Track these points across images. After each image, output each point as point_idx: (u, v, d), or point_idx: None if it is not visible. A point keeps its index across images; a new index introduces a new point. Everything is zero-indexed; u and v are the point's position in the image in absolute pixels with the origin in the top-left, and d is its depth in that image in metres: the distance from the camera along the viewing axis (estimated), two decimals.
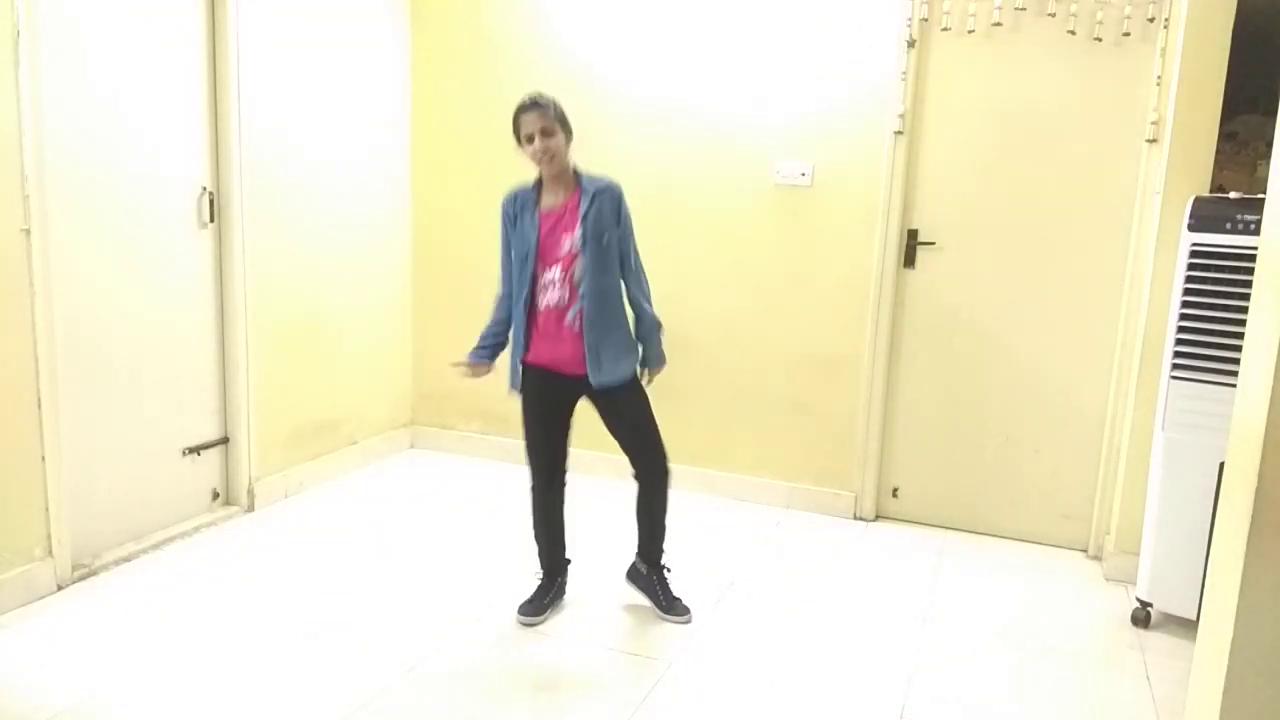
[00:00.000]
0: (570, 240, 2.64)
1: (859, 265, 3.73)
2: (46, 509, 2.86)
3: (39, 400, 2.81)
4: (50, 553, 2.88)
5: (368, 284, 4.19)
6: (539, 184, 2.73)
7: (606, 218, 2.66)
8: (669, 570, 2.95)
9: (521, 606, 2.87)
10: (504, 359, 2.83)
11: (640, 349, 2.80)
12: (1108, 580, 3.37)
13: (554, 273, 2.66)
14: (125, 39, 3.05)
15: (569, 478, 2.90)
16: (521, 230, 2.70)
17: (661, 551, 2.93)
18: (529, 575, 3.09)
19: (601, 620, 2.90)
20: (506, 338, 2.82)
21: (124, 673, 2.48)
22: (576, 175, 2.71)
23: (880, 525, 3.84)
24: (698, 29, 3.83)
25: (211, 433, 3.55)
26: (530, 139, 2.63)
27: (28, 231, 2.73)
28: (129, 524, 3.23)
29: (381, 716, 2.34)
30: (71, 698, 2.35)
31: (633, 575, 2.98)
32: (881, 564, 3.45)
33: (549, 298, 2.68)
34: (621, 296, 2.75)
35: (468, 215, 4.33)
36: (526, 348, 2.74)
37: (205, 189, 3.39)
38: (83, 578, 2.99)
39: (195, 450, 3.48)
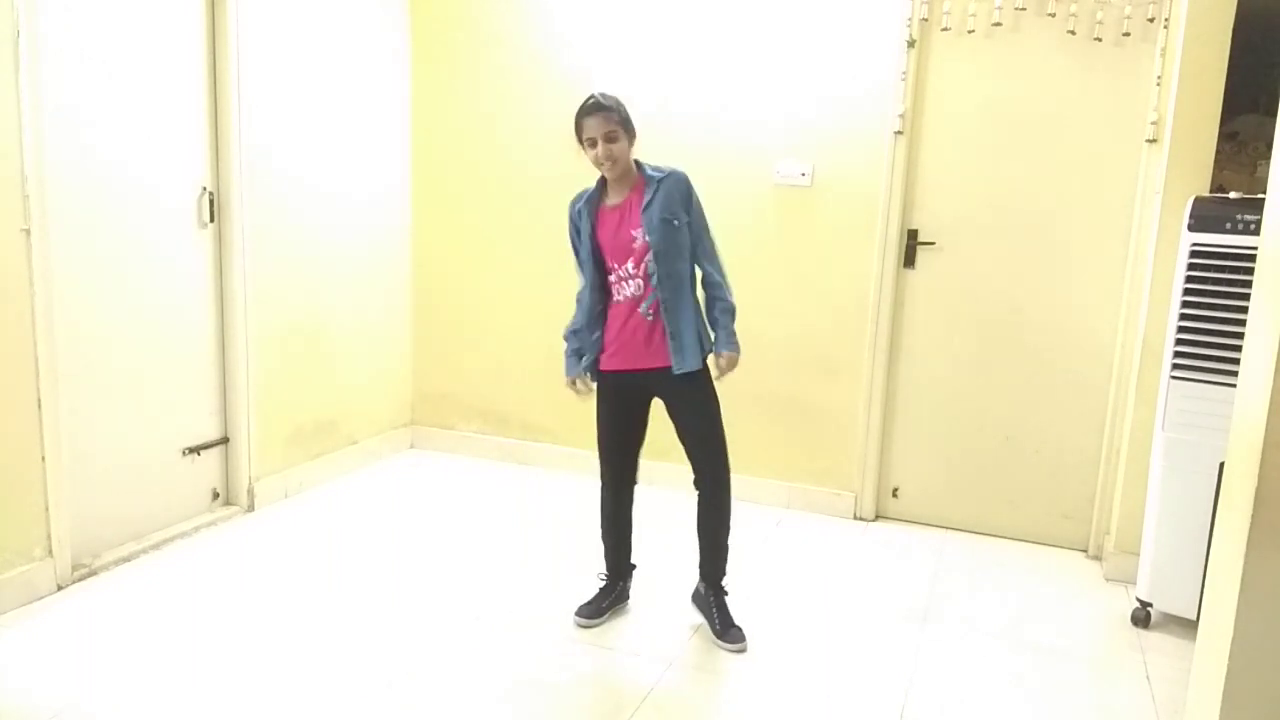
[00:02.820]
0: (638, 233, 2.62)
1: (859, 265, 3.73)
2: (46, 509, 2.86)
3: (39, 400, 2.81)
4: (50, 553, 2.88)
5: (368, 283, 4.19)
6: (602, 184, 2.71)
7: (675, 203, 2.62)
8: (728, 593, 2.85)
9: (580, 608, 2.86)
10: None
11: (711, 336, 2.74)
12: (1108, 580, 3.37)
13: (627, 268, 2.64)
14: (125, 39, 3.05)
15: (637, 482, 2.88)
16: (586, 232, 2.68)
17: (722, 572, 2.84)
18: (528, 574, 3.09)
19: (603, 621, 2.90)
20: (596, 335, 2.76)
21: (124, 673, 2.48)
22: (640, 168, 2.68)
23: (880, 525, 3.84)
24: (698, 30, 3.83)
25: (211, 433, 3.55)
26: (592, 143, 2.59)
27: (28, 231, 2.73)
28: (129, 524, 3.23)
29: (381, 716, 2.34)
30: (71, 697, 2.35)
31: (695, 597, 2.91)
32: (881, 564, 3.45)
33: (624, 291, 2.66)
34: (695, 284, 2.70)
35: (468, 214, 4.33)
36: (601, 348, 2.71)
37: (205, 189, 3.39)
38: (83, 578, 2.99)
39: (195, 450, 3.48)
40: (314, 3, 3.72)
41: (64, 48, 2.85)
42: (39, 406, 2.81)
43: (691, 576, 3.14)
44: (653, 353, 2.67)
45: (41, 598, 2.85)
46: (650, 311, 2.65)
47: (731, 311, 2.74)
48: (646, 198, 2.62)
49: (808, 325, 3.84)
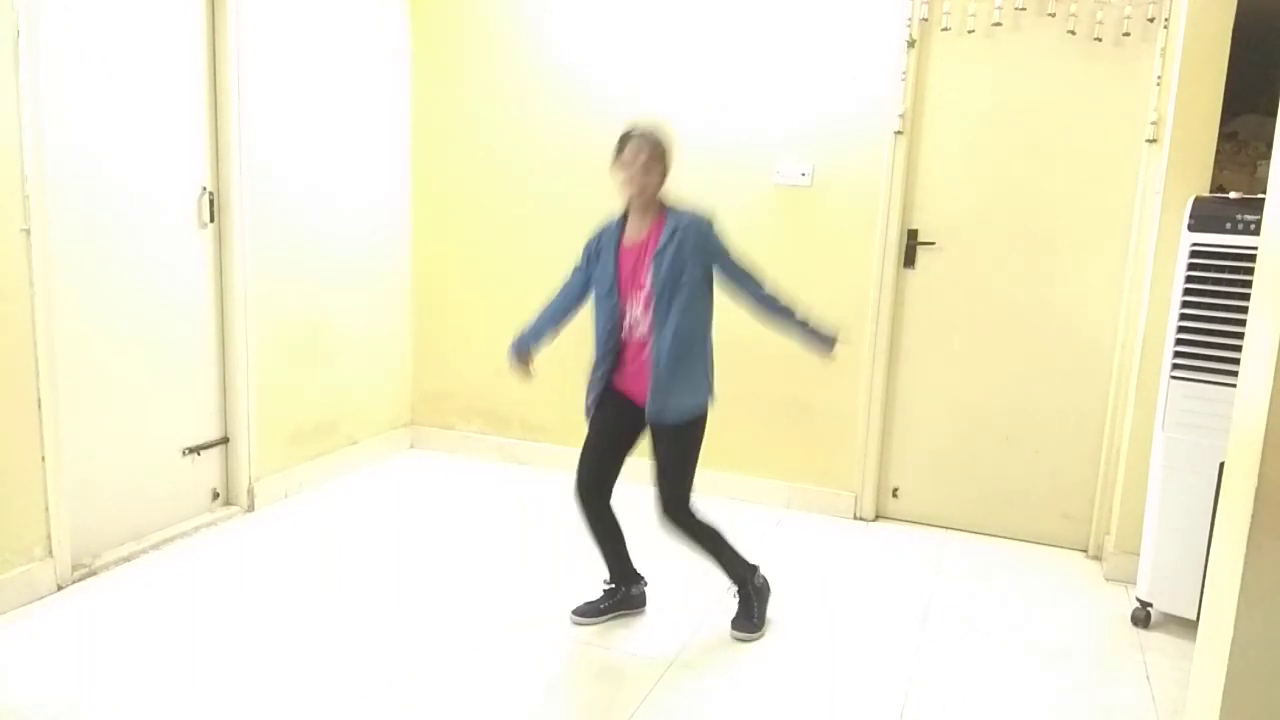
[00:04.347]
0: (648, 276, 2.63)
1: (859, 265, 3.73)
2: (46, 509, 2.86)
3: (39, 400, 2.81)
4: (50, 553, 2.88)
5: (368, 283, 4.19)
6: (625, 216, 2.72)
7: (688, 254, 2.61)
8: (753, 589, 2.85)
9: (579, 606, 2.88)
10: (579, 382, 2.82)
11: (803, 337, 2.75)
12: (1108, 580, 3.37)
13: (639, 307, 2.66)
14: (125, 39, 3.05)
15: (611, 498, 2.86)
16: (602, 264, 2.69)
17: (735, 576, 2.84)
18: (529, 574, 3.09)
19: (603, 621, 2.90)
20: (547, 331, 2.83)
21: (124, 673, 2.48)
22: (663, 208, 2.67)
23: (880, 525, 3.84)
24: (698, 30, 3.83)
25: (211, 433, 3.55)
26: (622, 165, 2.64)
27: (28, 231, 2.73)
28: (129, 524, 3.23)
29: (382, 716, 2.34)
30: (71, 697, 2.35)
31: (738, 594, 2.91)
32: (881, 564, 3.45)
33: (637, 331, 2.68)
34: (701, 337, 2.69)
35: (468, 214, 4.33)
36: (611, 376, 2.73)
37: (205, 189, 3.39)
38: (83, 578, 2.99)
39: (195, 450, 3.48)
40: (314, 3, 3.72)
41: (64, 48, 2.85)
42: (39, 406, 2.81)
43: (692, 577, 3.14)
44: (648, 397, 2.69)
45: (41, 598, 2.85)
46: (649, 356, 2.66)
47: (798, 308, 2.75)
48: (661, 243, 2.62)
49: None
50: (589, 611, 2.88)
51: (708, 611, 2.97)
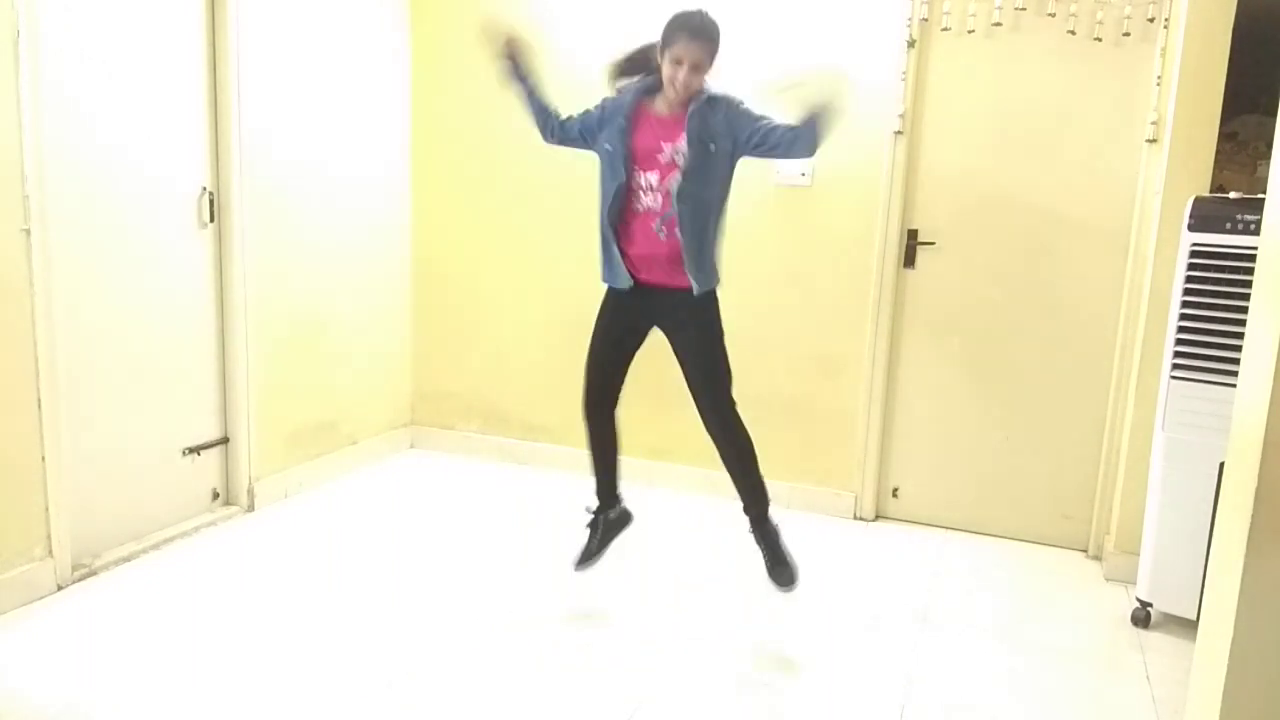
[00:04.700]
0: (671, 148, 2.57)
1: (859, 265, 3.73)
2: (46, 509, 2.86)
3: (39, 400, 2.81)
4: (50, 553, 2.88)
5: (368, 283, 4.19)
6: (653, 89, 2.64)
7: (716, 126, 2.57)
8: (771, 525, 2.78)
9: (575, 557, 2.89)
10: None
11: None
12: (1108, 580, 3.37)
13: (650, 178, 2.61)
14: (125, 39, 3.05)
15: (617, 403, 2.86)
16: (619, 119, 2.62)
17: (764, 503, 2.77)
18: (529, 574, 3.09)
19: (602, 620, 2.90)
20: (538, 102, 2.84)
21: (124, 673, 2.48)
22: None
23: (880, 525, 3.84)
24: None
25: (211, 433, 3.55)
26: (678, 62, 2.50)
27: (28, 231, 2.73)
28: (129, 524, 3.23)
29: (382, 715, 2.34)
30: (72, 698, 2.35)
31: (750, 530, 2.83)
32: (881, 564, 3.45)
33: (643, 201, 2.62)
34: (720, 213, 2.68)
35: (468, 214, 4.33)
36: (611, 262, 2.67)
37: (205, 189, 3.39)
38: (83, 578, 2.99)
39: (195, 450, 3.48)
40: (314, 3, 3.72)
41: (64, 47, 2.85)
42: (39, 406, 2.81)
43: (692, 576, 3.14)
44: (673, 273, 2.65)
45: (41, 598, 2.85)
46: (664, 229, 2.62)
47: (810, 115, 2.59)
48: (695, 116, 2.57)
49: (808, 325, 3.84)
50: (587, 555, 2.88)
51: (708, 611, 2.97)
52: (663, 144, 2.61)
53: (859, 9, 3.60)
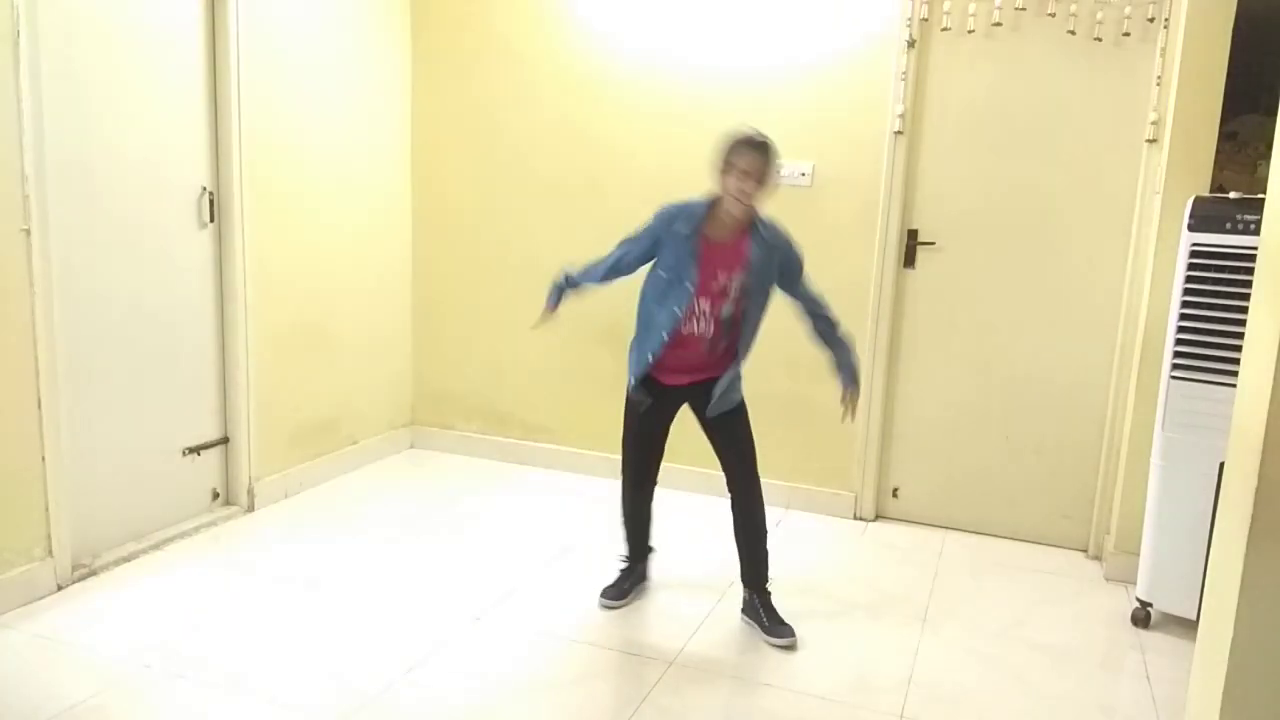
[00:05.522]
0: (730, 278, 2.65)
1: (859, 265, 3.73)
2: (46, 509, 2.86)
3: (39, 400, 2.81)
4: (50, 553, 2.88)
5: (368, 283, 4.19)
6: (710, 208, 2.67)
7: (775, 268, 2.69)
8: (771, 593, 2.89)
9: (605, 590, 2.96)
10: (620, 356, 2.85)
11: (838, 365, 2.84)
12: (1108, 580, 3.37)
13: (704, 304, 2.67)
14: (125, 39, 3.05)
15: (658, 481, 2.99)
16: (679, 251, 2.65)
17: (765, 577, 2.89)
18: (528, 575, 3.08)
19: (602, 620, 2.90)
20: (592, 286, 2.87)
21: (123, 673, 2.48)
22: (754, 217, 2.67)
23: (880, 525, 3.84)
24: (698, 30, 3.83)
25: (211, 433, 3.55)
26: (744, 175, 2.55)
27: (28, 231, 2.73)
28: (129, 524, 3.23)
29: (381, 716, 2.34)
30: (71, 698, 2.35)
31: (744, 609, 2.92)
32: (881, 564, 3.45)
33: (695, 327, 2.69)
34: (758, 329, 2.78)
35: (468, 213, 4.33)
36: (657, 362, 2.73)
37: (205, 189, 3.39)
38: (83, 578, 2.99)
39: (195, 450, 3.48)
40: (314, 3, 3.72)
41: (64, 48, 2.85)
42: (39, 406, 2.81)
43: (692, 576, 3.14)
44: (709, 367, 2.75)
45: (41, 598, 2.85)
46: (717, 350, 2.72)
47: (852, 341, 2.85)
48: (756, 253, 2.65)
49: None
50: (619, 594, 2.96)
51: (709, 611, 2.97)
52: (719, 273, 2.65)
53: (859, 9, 3.60)
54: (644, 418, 2.83)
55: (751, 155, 2.56)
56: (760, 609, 2.86)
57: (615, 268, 2.80)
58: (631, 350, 2.80)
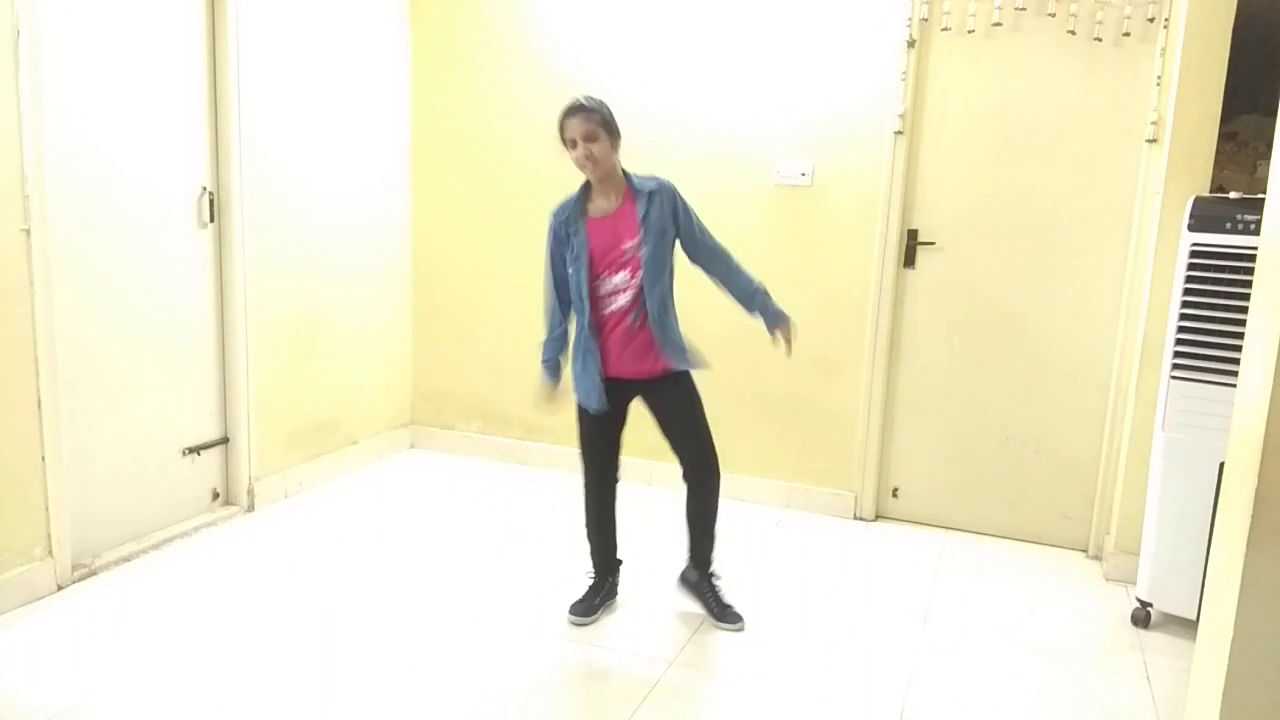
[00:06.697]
0: (632, 244, 2.64)
1: (859, 265, 3.73)
2: (46, 509, 2.86)
3: (39, 400, 2.81)
4: (50, 553, 2.88)
5: (368, 283, 4.19)
6: (585, 190, 2.71)
7: (665, 218, 2.66)
8: (719, 578, 2.93)
9: (573, 606, 2.88)
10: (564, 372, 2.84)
11: (761, 310, 2.80)
12: (1108, 580, 3.37)
13: (618, 278, 2.66)
14: (125, 39, 3.05)
15: (620, 478, 2.93)
16: (574, 241, 2.67)
17: (711, 559, 2.91)
18: (528, 574, 3.08)
19: (602, 621, 2.90)
20: (565, 346, 2.82)
21: (124, 673, 2.48)
22: (626, 177, 2.69)
23: (880, 525, 3.84)
24: (698, 30, 3.83)
25: (211, 433, 3.55)
26: (573, 144, 2.60)
27: (28, 231, 2.73)
28: (129, 524, 3.23)
29: (381, 715, 2.34)
30: (72, 698, 2.35)
31: (684, 580, 2.97)
32: (881, 564, 3.45)
33: (614, 304, 2.68)
34: (672, 299, 2.74)
35: (468, 214, 4.33)
36: (603, 362, 2.71)
37: (205, 189, 3.39)
38: (83, 578, 2.99)
39: (195, 450, 3.48)
40: (314, 2, 3.72)
41: (64, 48, 2.85)
42: (39, 406, 2.81)
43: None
44: (650, 360, 2.71)
45: (41, 598, 2.85)
46: (638, 322, 2.67)
47: (764, 288, 2.80)
48: (642, 209, 2.64)
49: (807, 325, 3.82)
50: (586, 610, 2.88)
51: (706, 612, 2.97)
52: (625, 243, 2.65)
53: (859, 9, 3.60)
54: (597, 419, 2.78)
55: (575, 120, 2.58)
56: (708, 592, 2.90)
57: (560, 305, 2.79)
58: (575, 376, 2.75)
